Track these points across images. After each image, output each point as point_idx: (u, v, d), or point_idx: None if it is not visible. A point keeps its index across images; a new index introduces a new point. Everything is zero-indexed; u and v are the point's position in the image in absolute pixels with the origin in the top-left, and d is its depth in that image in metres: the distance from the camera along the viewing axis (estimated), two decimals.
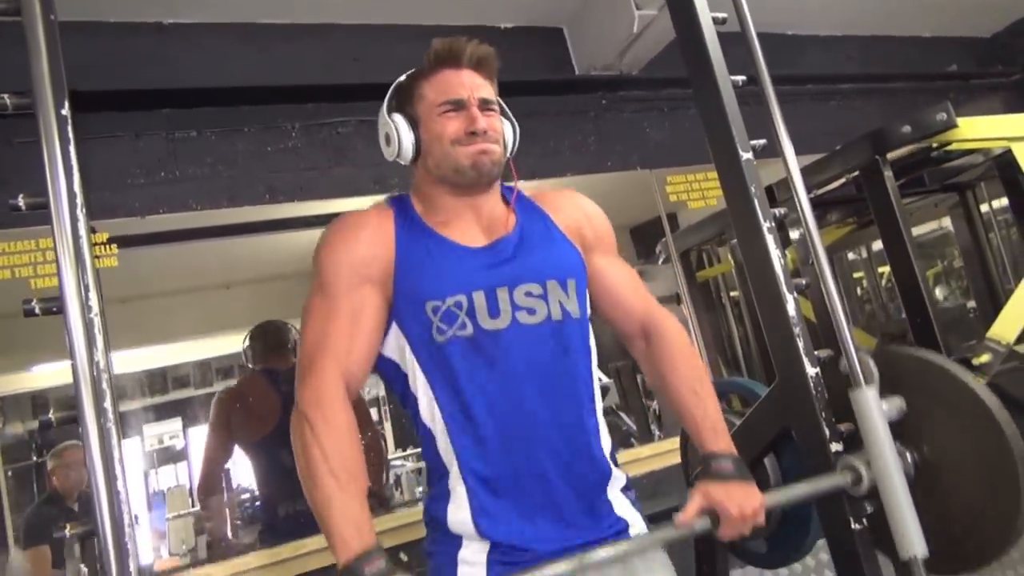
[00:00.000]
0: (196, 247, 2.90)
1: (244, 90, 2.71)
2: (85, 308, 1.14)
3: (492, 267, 1.32)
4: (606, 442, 1.36)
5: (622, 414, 3.99)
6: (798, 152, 3.67)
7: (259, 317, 4.51)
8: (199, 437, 5.23)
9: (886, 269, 4.81)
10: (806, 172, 3.12)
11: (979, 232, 4.33)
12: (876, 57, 4.01)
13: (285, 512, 2.93)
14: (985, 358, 2.67)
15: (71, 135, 1.16)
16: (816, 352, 1.74)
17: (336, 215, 1.41)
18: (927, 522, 1.63)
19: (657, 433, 3.54)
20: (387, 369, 1.34)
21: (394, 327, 1.32)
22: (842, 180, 2.95)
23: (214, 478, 2.91)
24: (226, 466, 3.09)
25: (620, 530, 1.31)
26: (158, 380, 4.89)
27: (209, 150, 2.70)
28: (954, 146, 2.82)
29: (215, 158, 2.70)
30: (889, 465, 1.59)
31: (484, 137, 1.34)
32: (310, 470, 1.16)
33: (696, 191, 3.39)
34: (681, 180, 3.38)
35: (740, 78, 1.89)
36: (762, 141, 1.90)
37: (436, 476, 1.31)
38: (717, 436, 1.39)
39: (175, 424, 5.15)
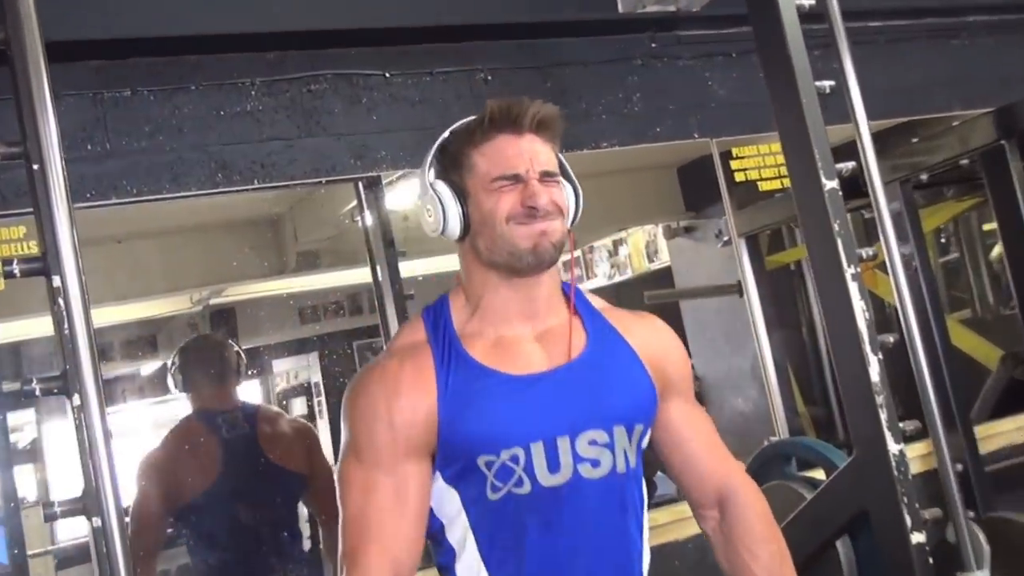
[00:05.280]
0: None
1: (190, 38, 3.08)
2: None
3: (553, 405, 1.67)
4: None
5: None
6: (910, 113, 4.09)
7: (154, 282, 4.90)
8: (55, 434, 5.65)
9: None
10: (913, 151, 3.57)
11: None
12: None
13: None
14: None
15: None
16: (901, 425, 2.20)
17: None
18: None
19: None
20: None
21: (438, 476, 1.68)
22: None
23: (146, 561, 3.31)
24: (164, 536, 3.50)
25: None
26: (7, 360, 5.29)
27: (147, 115, 3.11)
28: None
29: (155, 126, 3.12)
30: None
31: (544, 215, 1.66)
32: None
33: (770, 168, 3.82)
34: (751, 153, 3.82)
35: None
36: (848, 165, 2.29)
37: None
38: None
39: (24, 415, 5.55)
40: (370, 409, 1.67)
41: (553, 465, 1.64)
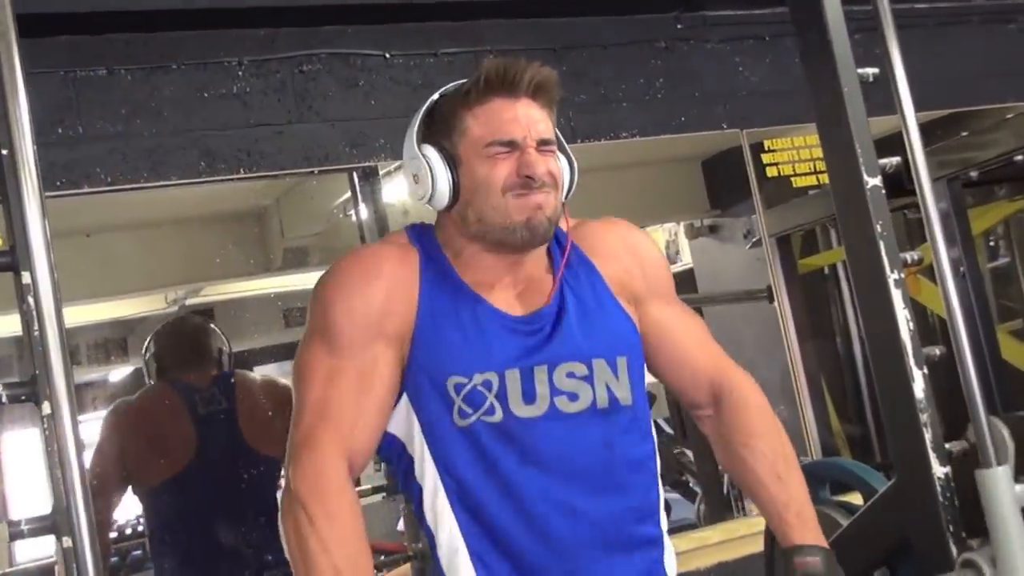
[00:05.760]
0: None
1: (171, 12, 3.08)
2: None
3: (529, 341, 1.73)
4: (670, 559, 1.80)
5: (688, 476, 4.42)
6: (959, 104, 4.09)
7: (126, 280, 4.88)
8: (15, 445, 5.63)
9: None
10: (962, 145, 3.57)
11: None
12: None
13: None
14: None
15: None
16: (947, 445, 2.19)
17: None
18: None
19: (735, 503, 3.98)
20: (390, 448, 1.77)
21: (404, 400, 1.72)
22: None
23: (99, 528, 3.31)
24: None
25: None
26: None
27: (124, 96, 3.11)
28: None
29: (132, 108, 3.11)
30: (1019, 567, 2.03)
31: (540, 186, 1.70)
32: (307, 565, 1.57)
33: (805, 162, 3.81)
34: (785, 146, 3.81)
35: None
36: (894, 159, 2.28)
37: None
38: (804, 525, 1.82)
39: None
40: (345, 289, 1.72)
41: (529, 395, 1.69)
